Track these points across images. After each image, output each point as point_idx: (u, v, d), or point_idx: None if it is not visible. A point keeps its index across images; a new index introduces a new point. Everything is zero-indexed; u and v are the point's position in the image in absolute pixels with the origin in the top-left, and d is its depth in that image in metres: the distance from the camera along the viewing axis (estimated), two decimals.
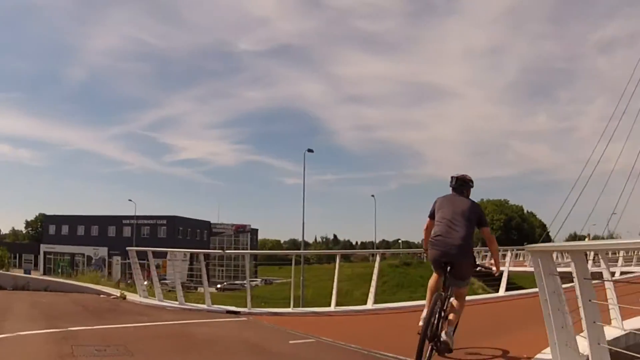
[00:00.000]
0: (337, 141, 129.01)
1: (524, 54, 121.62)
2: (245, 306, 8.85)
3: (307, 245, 75.30)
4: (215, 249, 60.37)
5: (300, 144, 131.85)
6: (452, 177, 5.15)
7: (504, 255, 33.50)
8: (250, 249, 64.08)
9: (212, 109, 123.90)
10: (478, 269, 5.36)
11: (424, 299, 4.95)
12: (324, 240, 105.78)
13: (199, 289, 16.15)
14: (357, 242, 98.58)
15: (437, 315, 4.54)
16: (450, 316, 4.80)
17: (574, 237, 44.87)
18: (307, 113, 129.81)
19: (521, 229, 75.76)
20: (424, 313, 4.54)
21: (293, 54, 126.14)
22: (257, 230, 77.53)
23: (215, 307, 9.08)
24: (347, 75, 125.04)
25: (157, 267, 11.36)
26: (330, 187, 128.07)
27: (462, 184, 5.12)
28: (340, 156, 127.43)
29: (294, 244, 79.62)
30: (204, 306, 9.11)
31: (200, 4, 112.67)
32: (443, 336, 4.61)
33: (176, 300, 9.30)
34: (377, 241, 62.97)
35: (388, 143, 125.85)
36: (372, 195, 61.28)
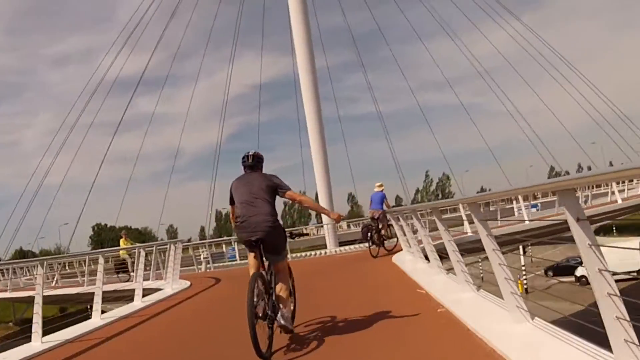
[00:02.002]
0: None
1: None
2: None
3: None
4: None
5: None
6: (244, 156, 5.04)
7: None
8: None
9: None
10: (294, 238, 5.49)
11: None
12: None
13: None
14: None
15: (261, 293, 4.48)
16: (281, 296, 4.74)
17: (22, 254, 42.73)
18: None
19: None
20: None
21: None
22: None
23: None
24: None
25: None
26: None
27: (257, 160, 5.05)
28: None
29: None
30: None
31: None
32: (279, 320, 4.56)
33: None
34: None
35: None
36: None
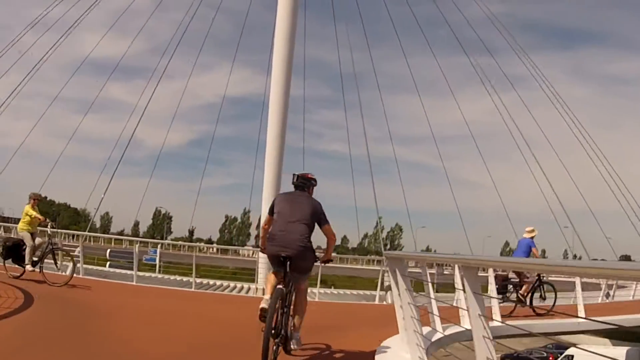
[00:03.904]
0: None
1: None
2: None
3: None
4: None
5: None
6: (294, 175, 5.23)
7: None
8: None
9: None
10: (320, 263, 5.39)
11: None
12: None
13: None
14: None
15: (279, 312, 4.59)
16: (296, 318, 4.96)
17: None
18: None
19: None
20: (264, 304, 4.50)
21: None
22: None
23: None
24: None
25: None
26: None
27: (302, 182, 5.17)
28: None
29: None
30: None
31: None
32: (292, 344, 4.84)
33: None
34: None
35: None
36: None
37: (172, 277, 16.30)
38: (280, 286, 4.61)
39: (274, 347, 4.48)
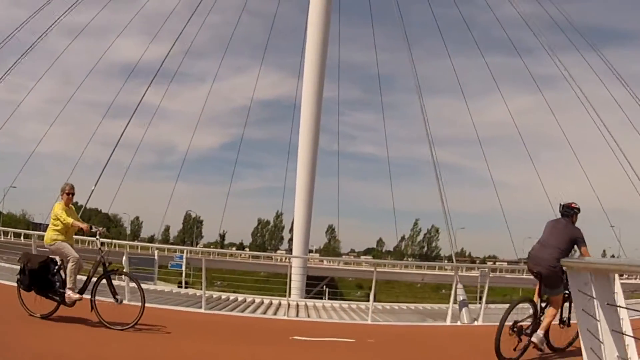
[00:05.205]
0: None
1: None
2: None
3: None
4: None
5: None
6: (560, 204, 6.02)
7: None
8: None
9: None
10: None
11: None
12: None
13: None
14: None
15: (527, 314, 5.84)
16: (544, 320, 5.86)
17: None
18: None
19: None
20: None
21: None
22: None
23: None
24: None
25: None
26: None
27: (565, 210, 6.03)
28: None
29: None
30: None
31: None
32: (533, 338, 5.75)
33: None
34: None
35: None
36: None
37: (183, 290, 13.25)
38: (528, 297, 6.10)
39: (523, 345, 5.71)
